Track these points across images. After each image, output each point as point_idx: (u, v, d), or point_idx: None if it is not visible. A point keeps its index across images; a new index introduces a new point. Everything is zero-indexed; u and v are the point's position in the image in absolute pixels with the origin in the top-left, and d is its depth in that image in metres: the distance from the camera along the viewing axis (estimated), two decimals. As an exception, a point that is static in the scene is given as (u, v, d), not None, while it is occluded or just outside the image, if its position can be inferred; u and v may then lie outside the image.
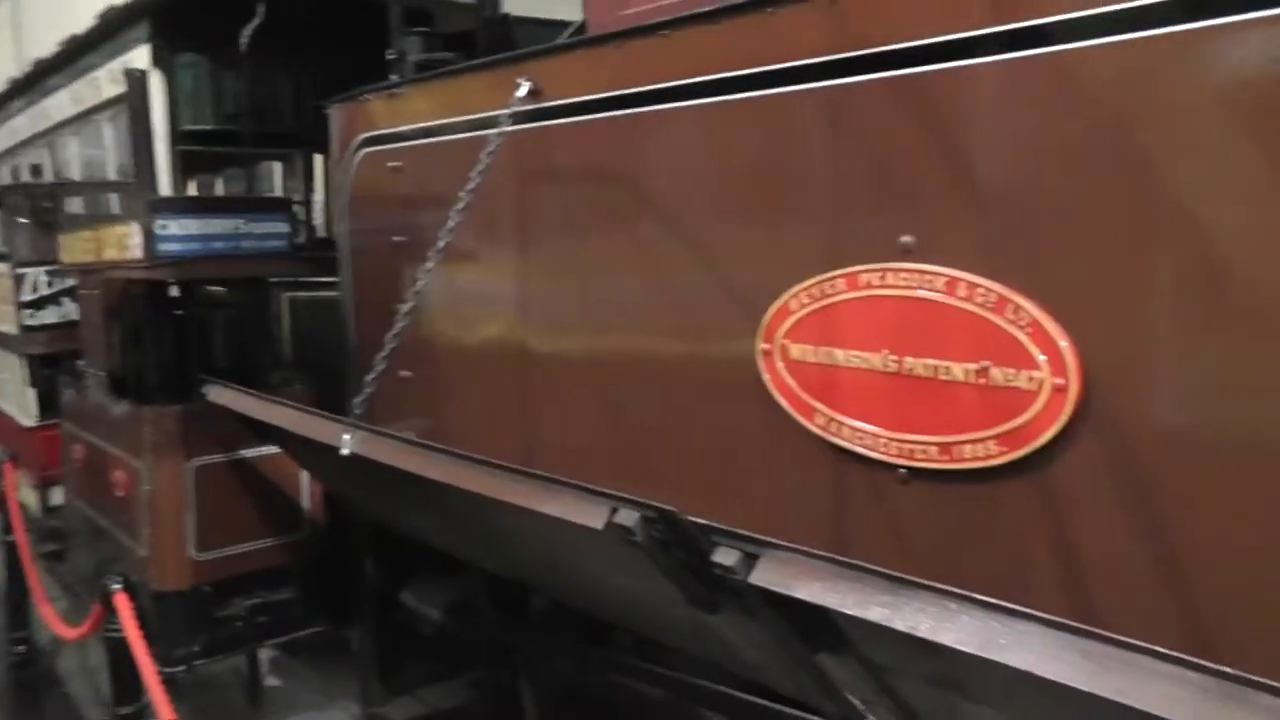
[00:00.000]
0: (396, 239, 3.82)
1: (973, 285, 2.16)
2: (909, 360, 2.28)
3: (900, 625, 1.73)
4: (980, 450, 2.18)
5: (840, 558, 1.90)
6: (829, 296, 2.42)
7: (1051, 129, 2.03)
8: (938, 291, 2.22)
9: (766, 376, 2.57)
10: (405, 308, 3.24)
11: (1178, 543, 1.93)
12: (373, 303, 3.98)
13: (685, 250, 2.76)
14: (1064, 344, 2.03)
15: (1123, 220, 1.97)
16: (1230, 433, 1.86)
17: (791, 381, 2.52)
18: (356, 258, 4.14)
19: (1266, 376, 1.81)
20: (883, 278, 2.32)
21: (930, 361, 2.25)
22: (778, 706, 2.77)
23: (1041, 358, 2.06)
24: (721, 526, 2.06)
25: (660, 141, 2.82)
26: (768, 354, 2.57)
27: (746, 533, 2.03)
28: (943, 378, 2.23)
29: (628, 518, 2.14)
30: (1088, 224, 2.01)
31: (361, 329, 4.09)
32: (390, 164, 3.82)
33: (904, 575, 1.78)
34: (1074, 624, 1.57)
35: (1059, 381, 2.04)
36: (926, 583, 1.75)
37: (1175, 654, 1.47)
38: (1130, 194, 1.96)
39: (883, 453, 2.35)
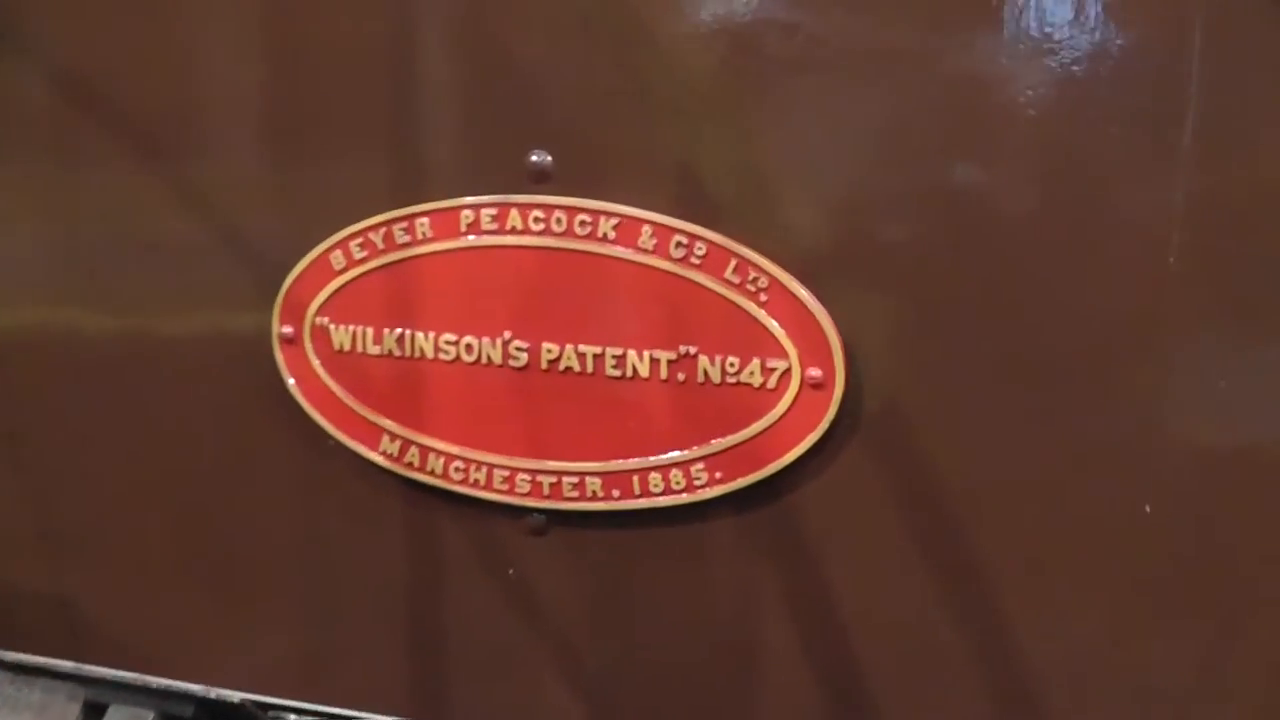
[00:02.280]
0: None
1: (666, 230, 1.38)
2: (549, 347, 1.45)
3: None
4: (677, 479, 1.43)
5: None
6: (401, 248, 1.49)
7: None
8: (601, 240, 1.41)
9: (290, 379, 1.57)
10: None
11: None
12: None
13: (148, 174, 1.61)
14: (824, 320, 1.34)
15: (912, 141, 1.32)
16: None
17: (335, 385, 1.55)
18: None
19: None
20: (500, 218, 1.45)
21: (589, 349, 1.44)
22: None
23: (787, 342, 1.36)
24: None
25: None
26: (290, 341, 1.56)
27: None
28: (612, 373, 1.43)
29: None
30: (859, 139, 1.33)
31: None
32: None
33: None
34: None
35: (815, 374, 1.35)
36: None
37: None
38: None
39: (502, 491, 1.50)
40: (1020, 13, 1.24)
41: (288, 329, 1.55)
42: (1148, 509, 1.29)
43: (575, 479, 1.47)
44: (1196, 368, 1.28)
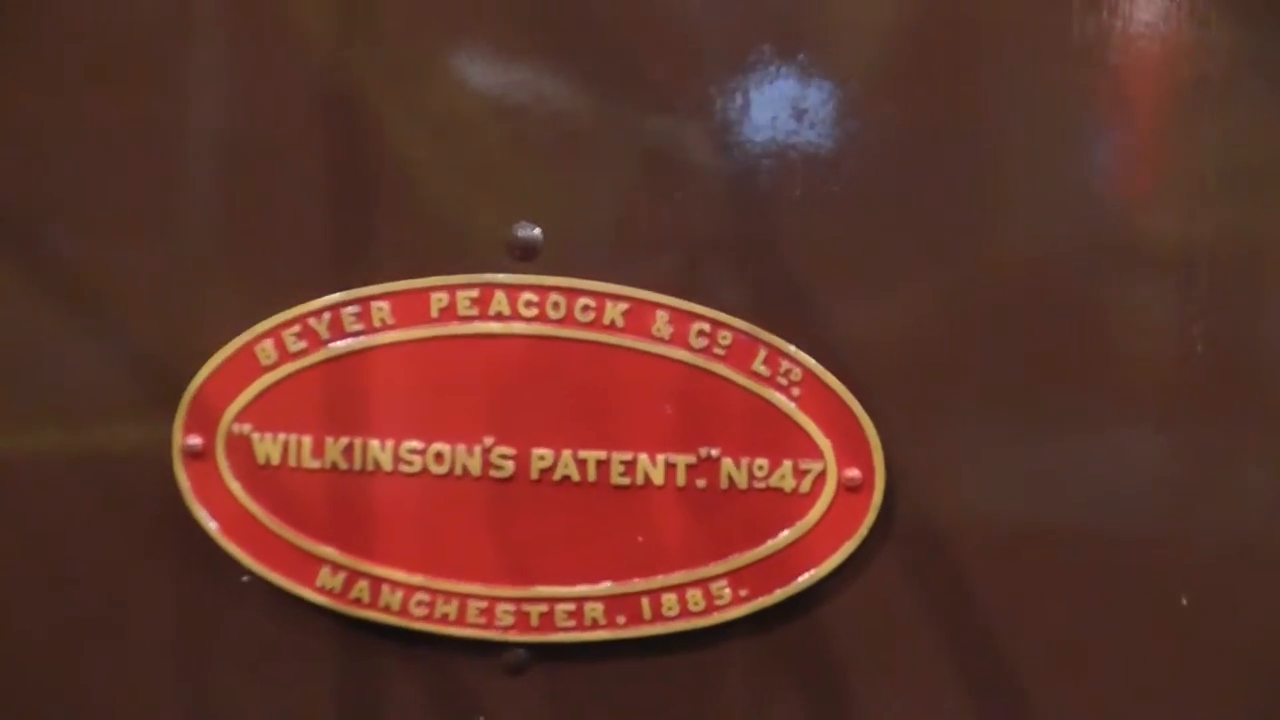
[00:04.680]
0: None
1: (685, 316, 1.22)
2: (541, 454, 1.24)
3: None
4: (695, 599, 1.25)
5: None
6: (350, 337, 1.24)
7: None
8: (607, 328, 1.23)
9: (200, 508, 1.26)
10: None
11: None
12: None
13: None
14: (861, 416, 1.21)
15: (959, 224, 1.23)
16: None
17: (257, 508, 1.26)
18: None
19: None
20: (481, 301, 1.23)
21: (590, 454, 1.24)
22: None
23: (823, 440, 1.22)
24: None
25: None
26: (197, 455, 1.26)
27: None
28: (619, 482, 1.24)
29: None
30: (907, 219, 1.23)
31: None
32: None
33: None
34: None
35: (853, 475, 1.22)
36: None
37: None
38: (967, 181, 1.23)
39: (479, 625, 1.26)
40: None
41: (194, 440, 1.25)
42: (1184, 601, 1.24)
43: (572, 605, 1.25)
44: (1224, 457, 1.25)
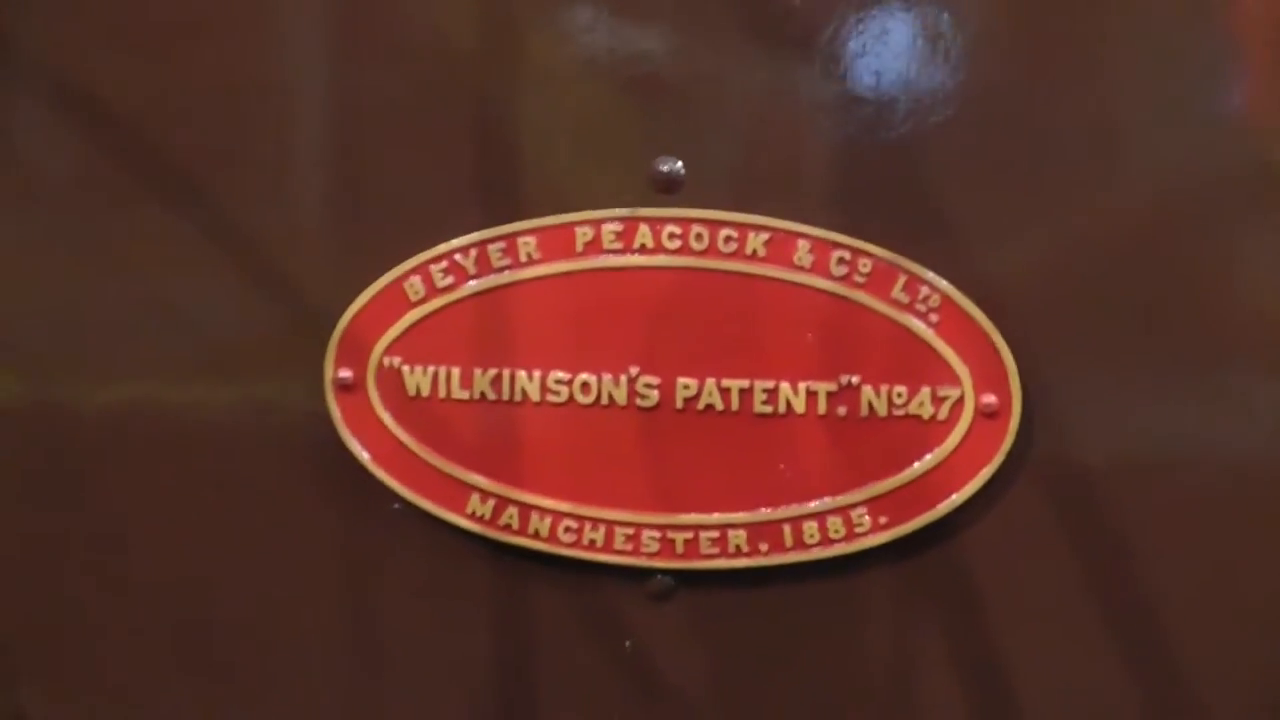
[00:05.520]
0: None
1: (825, 245, 1.23)
2: (686, 383, 1.26)
3: None
4: (835, 527, 1.27)
5: None
6: (499, 272, 1.27)
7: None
8: (749, 258, 1.25)
9: (352, 438, 1.31)
10: None
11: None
12: None
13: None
14: (999, 342, 1.22)
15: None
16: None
17: (409, 438, 1.31)
18: None
19: None
20: (625, 235, 1.26)
21: (733, 383, 1.26)
22: None
23: (961, 366, 1.23)
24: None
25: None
26: (348, 388, 1.30)
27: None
28: (762, 410, 1.26)
29: None
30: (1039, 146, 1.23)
31: None
32: None
33: None
34: None
35: (990, 401, 1.23)
36: None
37: None
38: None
39: (626, 552, 1.30)
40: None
41: (346, 373, 1.30)
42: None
43: (715, 533, 1.28)
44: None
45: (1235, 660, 1.27)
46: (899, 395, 1.24)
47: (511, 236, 1.26)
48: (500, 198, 1.27)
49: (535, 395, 1.28)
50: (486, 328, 1.28)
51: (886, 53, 1.24)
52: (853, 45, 1.24)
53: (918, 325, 1.23)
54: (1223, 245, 1.24)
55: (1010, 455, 1.24)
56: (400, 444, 1.30)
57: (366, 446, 1.31)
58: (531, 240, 1.26)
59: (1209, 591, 1.26)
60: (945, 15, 1.23)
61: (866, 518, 1.26)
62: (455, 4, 1.29)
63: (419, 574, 1.34)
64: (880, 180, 1.25)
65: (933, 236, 1.24)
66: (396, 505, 1.32)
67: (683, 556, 1.28)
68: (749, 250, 1.24)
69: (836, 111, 1.25)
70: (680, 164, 1.25)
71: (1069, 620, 1.27)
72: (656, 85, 1.26)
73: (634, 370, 1.26)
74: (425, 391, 1.30)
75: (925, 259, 1.23)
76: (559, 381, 1.27)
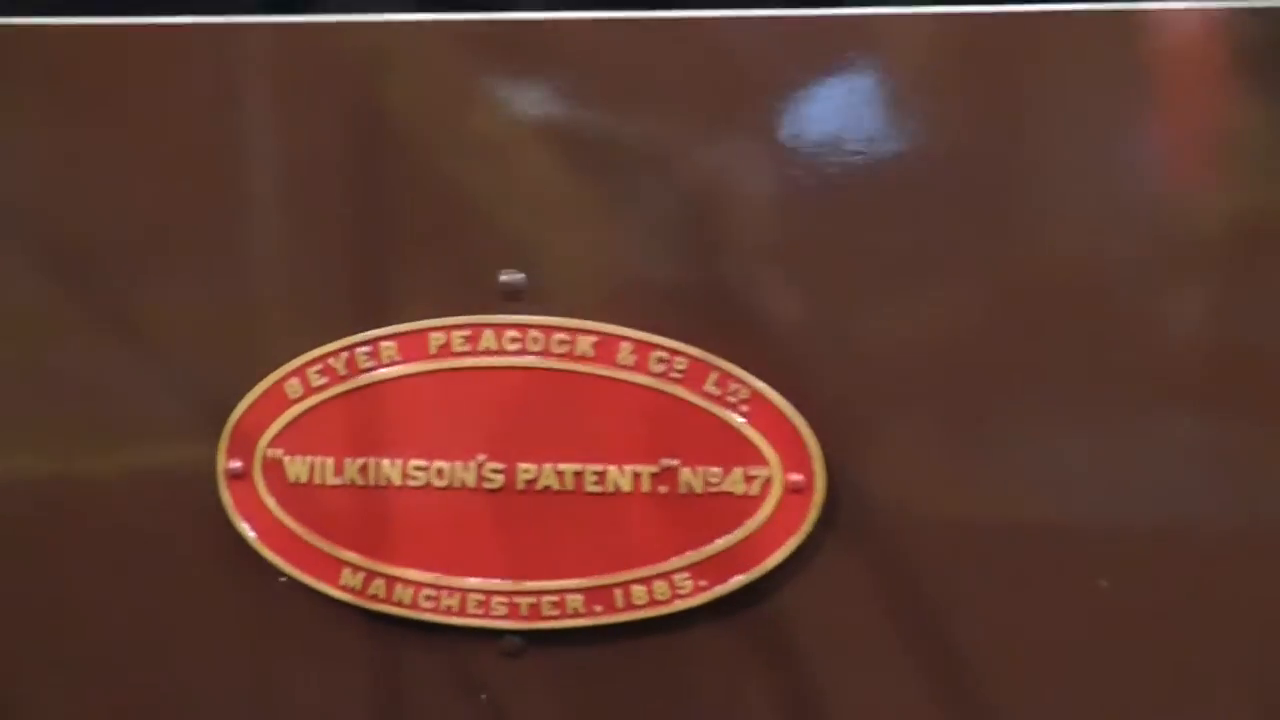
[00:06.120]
0: None
1: (645, 346, 1.42)
2: (526, 468, 1.45)
3: None
4: (661, 590, 1.45)
5: None
6: (363, 373, 1.46)
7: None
8: (579, 359, 1.43)
9: (241, 521, 1.48)
10: None
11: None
12: None
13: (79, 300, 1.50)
14: (802, 427, 1.41)
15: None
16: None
17: (290, 520, 1.48)
18: None
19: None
20: (473, 338, 1.45)
21: (568, 467, 1.44)
22: None
23: (769, 450, 1.41)
24: None
25: None
26: (238, 477, 1.48)
27: None
28: (592, 489, 1.44)
29: None
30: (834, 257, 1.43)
31: None
32: None
33: None
34: None
35: (796, 479, 1.41)
36: None
37: None
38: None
39: (477, 615, 1.47)
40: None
41: (236, 464, 1.48)
42: (1104, 584, 1.41)
43: (555, 597, 1.46)
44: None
45: (1036, 699, 1.45)
46: (714, 475, 1.42)
47: (375, 341, 1.45)
48: (366, 306, 1.46)
49: (397, 480, 1.46)
50: (355, 422, 1.46)
51: (698, 176, 1.43)
52: (665, 175, 1.43)
53: (729, 415, 1.42)
54: (1002, 323, 1.42)
55: (817, 524, 1.42)
56: (283, 525, 1.48)
57: (254, 527, 1.49)
58: (392, 344, 1.45)
59: (1008, 638, 1.44)
60: (747, 146, 1.42)
61: (689, 581, 1.44)
62: (327, 129, 1.46)
63: (304, 640, 1.51)
64: (696, 288, 1.44)
65: (743, 336, 1.42)
66: (282, 579, 1.49)
67: (527, 618, 1.46)
68: (579, 351, 1.43)
69: (658, 230, 1.44)
70: (522, 276, 1.44)
71: (878, 669, 1.45)
72: (503, 205, 1.45)
73: (481, 457, 1.45)
74: (304, 479, 1.47)
75: (736, 357, 1.41)
76: (417, 468, 1.45)
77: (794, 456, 1.41)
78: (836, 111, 1.41)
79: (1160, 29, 1.39)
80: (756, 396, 1.41)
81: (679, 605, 1.44)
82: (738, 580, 1.43)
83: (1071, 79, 1.39)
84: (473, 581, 1.46)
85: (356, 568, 1.47)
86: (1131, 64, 1.38)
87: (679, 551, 1.44)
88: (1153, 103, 1.41)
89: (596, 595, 1.45)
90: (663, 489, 1.43)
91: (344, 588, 1.48)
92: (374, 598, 1.48)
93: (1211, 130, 1.42)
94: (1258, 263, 1.39)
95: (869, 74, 1.41)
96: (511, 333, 1.43)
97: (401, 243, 1.47)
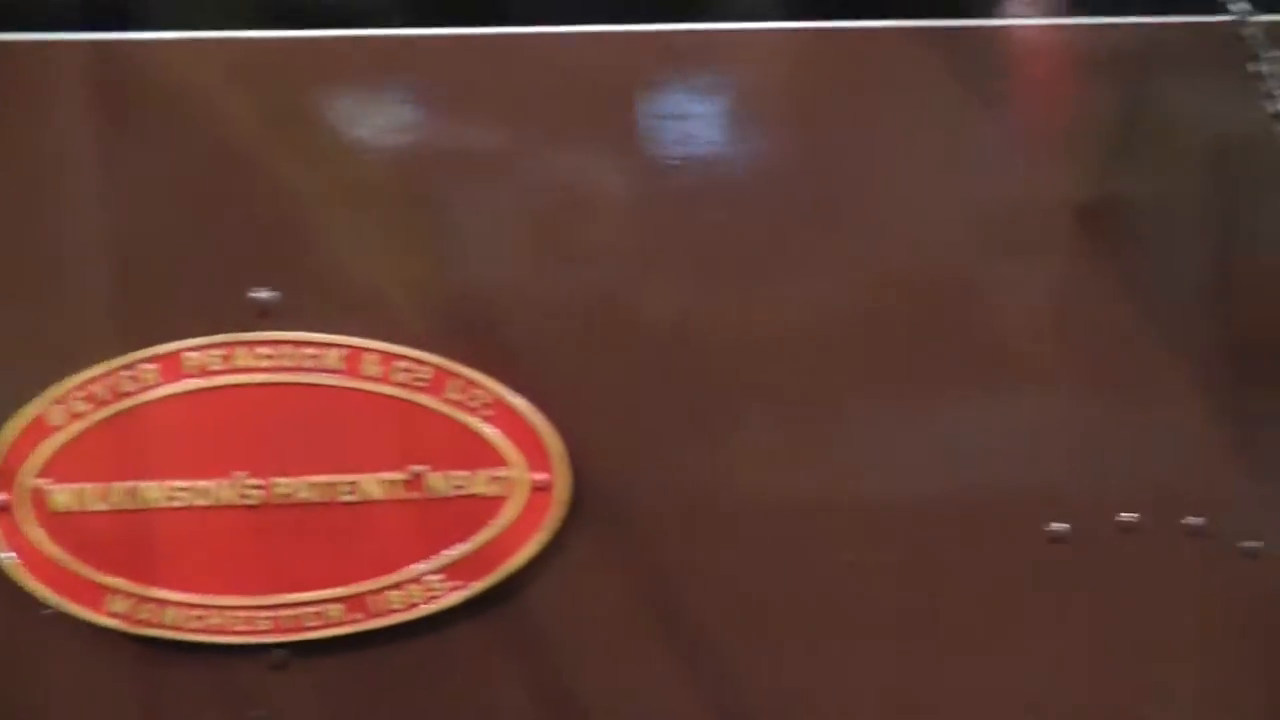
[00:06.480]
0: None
1: (390, 357, 1.49)
2: (281, 482, 1.49)
3: None
4: (415, 594, 1.49)
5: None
6: (126, 396, 1.51)
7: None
8: (329, 372, 1.49)
9: (5, 553, 1.51)
10: None
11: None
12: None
13: None
14: (543, 428, 1.47)
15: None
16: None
17: (56, 550, 1.51)
18: None
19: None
20: (226, 357, 1.50)
21: (321, 479, 1.49)
22: None
23: (512, 451, 1.47)
24: None
25: None
26: (4, 509, 1.52)
27: None
28: (346, 499, 1.49)
29: None
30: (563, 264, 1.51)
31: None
32: None
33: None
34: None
35: (541, 478, 1.47)
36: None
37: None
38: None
39: (243, 632, 1.50)
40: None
41: (1, 496, 1.51)
42: (847, 557, 1.47)
43: (316, 609, 1.49)
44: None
45: (782, 672, 1.50)
46: (460, 479, 1.48)
47: (135, 364, 1.50)
48: (126, 330, 1.51)
49: (162, 502, 1.50)
50: (120, 446, 1.51)
51: (437, 191, 1.51)
52: (407, 191, 1.51)
53: (473, 420, 1.48)
54: (733, 319, 1.51)
55: (563, 521, 1.47)
56: (48, 556, 1.50)
57: (21, 559, 1.51)
58: (152, 367, 1.50)
59: (753, 618, 1.50)
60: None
61: (442, 583, 1.48)
62: (75, 151, 1.50)
63: (70, 670, 1.52)
64: (439, 298, 1.51)
65: (486, 344, 1.49)
66: (46, 610, 1.51)
67: (291, 631, 1.49)
68: (328, 365, 1.49)
69: (403, 244, 1.51)
70: (274, 293, 1.50)
71: (629, 656, 1.49)
72: (252, 223, 1.50)
73: (240, 474, 1.49)
74: (72, 507, 1.51)
75: (478, 364, 1.48)
76: (180, 489, 1.50)
77: (536, 457, 1.47)
78: (578, 121, 1.50)
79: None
80: (498, 401, 1.47)
81: (433, 607, 1.48)
82: (488, 579, 1.47)
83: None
84: (237, 599, 1.49)
85: (124, 593, 1.50)
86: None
87: (431, 555, 1.48)
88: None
89: (355, 603, 1.49)
90: (413, 495, 1.48)
91: (111, 614, 1.50)
92: (143, 622, 1.50)
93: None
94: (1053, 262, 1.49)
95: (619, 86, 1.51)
96: (264, 349, 1.49)
97: (155, 264, 1.51)
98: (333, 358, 1.49)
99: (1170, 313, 1.46)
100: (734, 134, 1.53)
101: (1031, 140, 1.52)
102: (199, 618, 1.50)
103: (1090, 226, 1.46)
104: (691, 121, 1.51)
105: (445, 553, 1.48)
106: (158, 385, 1.50)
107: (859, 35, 1.49)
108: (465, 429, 1.47)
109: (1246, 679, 1.48)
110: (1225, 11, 1.29)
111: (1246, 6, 1.28)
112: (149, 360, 1.50)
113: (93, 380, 1.50)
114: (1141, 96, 1.46)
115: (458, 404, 1.48)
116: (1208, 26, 1.38)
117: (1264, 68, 1.27)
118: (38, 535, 1.51)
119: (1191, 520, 1.45)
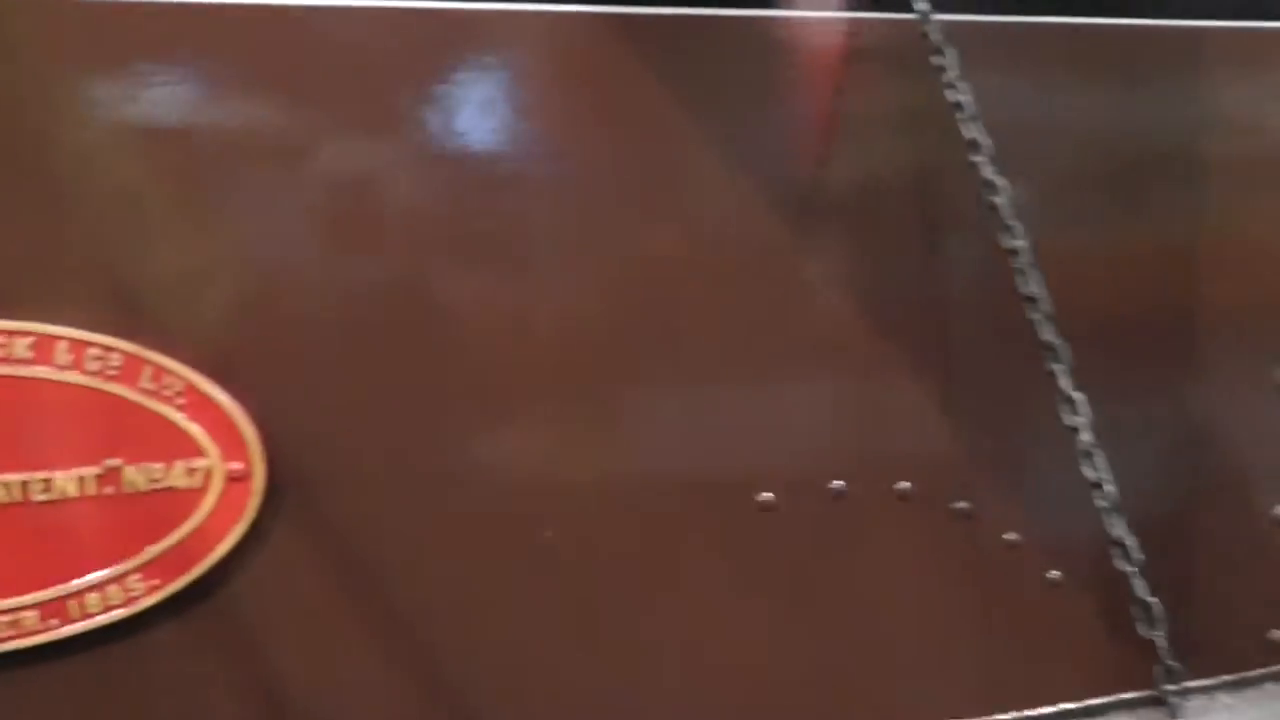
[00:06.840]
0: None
1: (81, 344, 1.41)
2: (-28, 481, 1.41)
3: None
4: (115, 595, 1.41)
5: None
6: None
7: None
8: (18, 362, 1.41)
9: None
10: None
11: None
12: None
13: None
14: (238, 416, 1.39)
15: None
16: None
17: None
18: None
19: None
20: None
21: (14, 477, 1.41)
22: None
23: (207, 441, 1.39)
24: None
25: None
26: None
27: None
28: (41, 498, 1.41)
29: None
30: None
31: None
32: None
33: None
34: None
35: (236, 468, 1.39)
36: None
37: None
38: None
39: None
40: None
41: None
42: (549, 534, 1.40)
43: (9, 617, 1.40)
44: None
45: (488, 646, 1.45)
46: (157, 472, 1.40)
47: None
48: None
49: None
50: None
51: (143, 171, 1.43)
52: (105, 171, 1.43)
53: (166, 409, 1.40)
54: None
55: (262, 509, 1.39)
56: None
57: None
58: None
59: (456, 596, 1.45)
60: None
61: (141, 583, 1.40)
62: None
63: None
64: (133, 283, 1.43)
65: (179, 328, 1.41)
66: None
67: (-16, 641, 1.41)
68: (17, 355, 1.40)
69: (94, 226, 1.42)
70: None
71: (332, 642, 1.42)
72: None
73: (-74, 474, 1.41)
74: None
75: (171, 350, 1.40)
76: None
77: (232, 446, 1.39)
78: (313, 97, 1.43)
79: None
80: (191, 389, 1.39)
81: (134, 608, 1.41)
82: (189, 575, 1.39)
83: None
84: (-76, 609, 1.41)
85: None
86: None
87: (130, 553, 1.40)
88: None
89: (51, 609, 1.40)
90: (109, 490, 1.40)
91: None
92: None
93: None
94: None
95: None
96: (-55, 338, 1.41)
97: None
98: (21, 346, 1.41)
99: (884, 296, 1.41)
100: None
101: (755, 133, 1.47)
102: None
103: (808, 214, 1.41)
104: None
105: (144, 551, 1.40)
106: None
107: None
108: (160, 418, 1.40)
109: (959, 633, 1.42)
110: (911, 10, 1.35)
111: (927, 6, 1.35)
112: None
113: None
114: (845, 87, 1.42)
115: (151, 393, 1.40)
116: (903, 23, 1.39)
117: (944, 61, 1.34)
118: None
119: (901, 485, 1.38)
